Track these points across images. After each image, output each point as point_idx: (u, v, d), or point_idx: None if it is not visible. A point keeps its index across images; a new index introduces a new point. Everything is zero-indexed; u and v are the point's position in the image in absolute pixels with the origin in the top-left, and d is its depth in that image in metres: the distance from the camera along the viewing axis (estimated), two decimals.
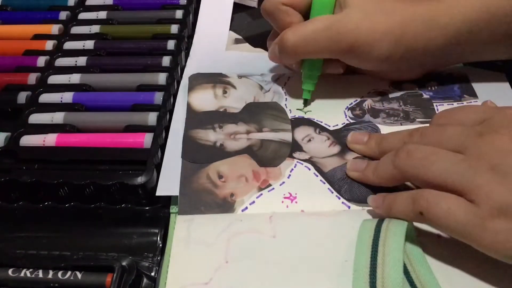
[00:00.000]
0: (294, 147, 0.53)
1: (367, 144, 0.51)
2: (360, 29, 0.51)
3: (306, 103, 0.58)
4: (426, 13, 0.52)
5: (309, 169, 0.51)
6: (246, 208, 0.48)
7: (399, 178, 0.45)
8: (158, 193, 0.49)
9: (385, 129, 0.54)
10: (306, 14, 0.55)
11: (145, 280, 0.44)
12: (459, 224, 0.39)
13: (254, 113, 0.56)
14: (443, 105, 0.56)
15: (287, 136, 0.54)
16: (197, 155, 0.52)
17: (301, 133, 0.54)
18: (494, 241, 0.38)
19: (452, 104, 0.56)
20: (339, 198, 0.48)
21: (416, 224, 0.44)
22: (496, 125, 0.42)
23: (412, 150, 0.44)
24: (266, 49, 0.65)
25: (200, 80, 0.60)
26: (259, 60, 0.64)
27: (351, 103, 0.57)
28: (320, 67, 0.56)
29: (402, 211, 0.43)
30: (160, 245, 0.46)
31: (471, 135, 0.42)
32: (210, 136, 0.54)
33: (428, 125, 0.52)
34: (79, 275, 0.42)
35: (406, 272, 0.41)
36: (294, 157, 0.52)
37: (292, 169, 0.51)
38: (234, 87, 0.59)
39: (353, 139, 0.53)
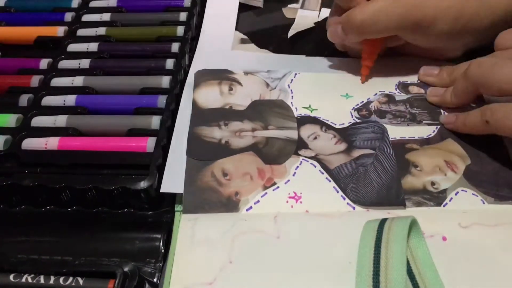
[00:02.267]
0: (300, 144, 0.53)
1: (439, 75, 0.58)
2: (425, 3, 0.53)
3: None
4: None
5: (315, 167, 0.51)
6: (251, 207, 0.48)
7: (471, 91, 0.52)
8: (162, 190, 0.48)
9: (392, 129, 0.54)
10: None
11: (147, 286, 0.44)
12: None
13: (260, 110, 0.56)
14: (449, 108, 0.56)
15: (293, 134, 0.54)
16: (202, 153, 0.52)
17: (307, 130, 0.54)
18: None
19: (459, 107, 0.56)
20: (344, 199, 0.48)
21: (422, 226, 0.44)
22: None
23: (482, 60, 0.50)
24: (271, 49, 0.65)
25: (206, 76, 0.60)
26: (265, 60, 0.64)
27: (358, 104, 0.57)
28: (381, 43, 0.57)
29: (473, 122, 0.50)
30: (163, 251, 0.46)
31: None
32: (215, 133, 0.53)
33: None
34: (80, 281, 0.42)
35: (410, 273, 0.41)
36: (299, 155, 0.52)
37: (298, 167, 0.51)
38: (240, 84, 0.59)
39: (425, 72, 0.59)
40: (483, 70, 0.49)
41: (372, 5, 0.53)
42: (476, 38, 0.56)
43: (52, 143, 0.52)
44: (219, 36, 0.68)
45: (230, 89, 0.58)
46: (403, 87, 0.59)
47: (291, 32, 0.68)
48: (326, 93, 0.58)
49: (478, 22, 0.54)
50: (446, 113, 0.55)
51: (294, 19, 0.71)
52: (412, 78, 0.60)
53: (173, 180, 0.49)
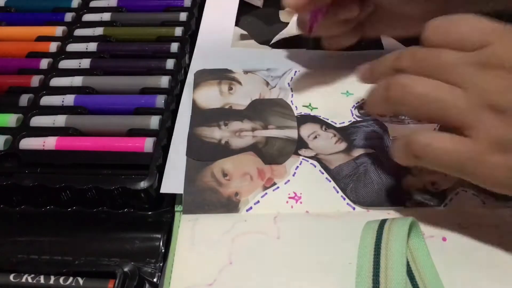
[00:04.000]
0: (300, 144, 0.53)
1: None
2: None
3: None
4: None
5: (315, 166, 0.51)
6: (251, 208, 0.48)
7: (392, 112, 0.47)
8: (162, 191, 0.48)
9: (392, 128, 0.54)
10: None
11: (147, 286, 0.44)
12: (455, 160, 0.39)
13: (259, 110, 0.56)
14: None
15: (292, 133, 0.54)
16: (202, 153, 0.52)
17: (307, 130, 0.54)
18: (493, 175, 0.38)
19: None
20: (344, 199, 0.48)
21: (422, 226, 0.44)
22: (498, 56, 0.39)
23: (407, 84, 0.41)
24: (271, 46, 0.65)
25: (206, 76, 0.60)
26: (264, 56, 0.64)
27: (358, 102, 0.57)
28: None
29: (399, 157, 0.43)
30: (163, 251, 0.46)
31: (469, 65, 0.39)
32: (215, 133, 0.53)
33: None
34: (80, 281, 0.42)
35: (410, 274, 0.41)
36: (299, 154, 0.52)
37: (298, 167, 0.51)
38: (239, 83, 0.59)
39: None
40: (410, 100, 0.41)
41: None
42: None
43: (49, 143, 0.52)
44: (219, 33, 0.68)
45: (230, 88, 0.58)
46: None
47: (276, 38, 0.67)
48: (326, 90, 0.58)
49: None
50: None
51: (288, 23, 0.69)
52: None
53: (173, 180, 0.49)
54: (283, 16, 0.71)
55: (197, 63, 0.62)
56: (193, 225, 0.46)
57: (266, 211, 0.47)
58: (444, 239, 0.45)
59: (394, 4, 0.54)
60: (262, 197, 0.48)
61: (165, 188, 0.49)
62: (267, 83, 0.59)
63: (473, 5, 0.49)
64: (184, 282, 0.42)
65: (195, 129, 0.54)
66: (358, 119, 0.55)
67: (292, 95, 0.58)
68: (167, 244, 0.46)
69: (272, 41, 0.66)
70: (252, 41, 0.67)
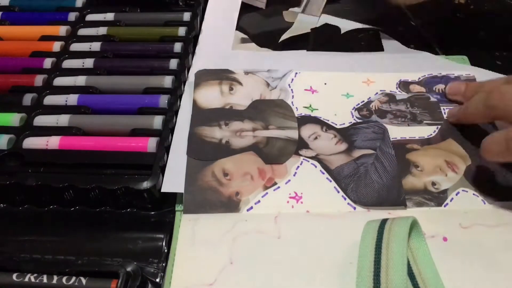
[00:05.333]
0: (301, 144, 0.53)
1: (465, 94, 0.55)
2: None
3: None
4: None
5: (315, 167, 0.51)
6: (252, 207, 0.48)
7: (490, 117, 0.49)
8: (163, 190, 0.49)
9: (392, 129, 0.54)
10: None
11: (150, 286, 0.44)
12: None
13: (260, 110, 0.56)
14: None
15: (293, 134, 0.54)
16: (202, 152, 0.52)
17: (308, 130, 0.54)
18: None
19: None
20: (345, 199, 0.48)
21: (423, 226, 0.44)
22: None
23: (505, 90, 0.46)
24: (272, 48, 0.65)
25: (206, 76, 0.60)
26: (265, 59, 0.64)
27: (358, 103, 0.57)
28: None
29: (497, 151, 0.45)
30: (166, 251, 0.46)
31: None
32: (215, 133, 0.54)
33: None
34: (83, 280, 0.42)
35: (411, 274, 0.42)
36: (300, 155, 0.52)
37: (298, 167, 0.51)
38: (240, 83, 0.59)
39: (452, 90, 0.56)
40: (506, 103, 0.46)
41: None
42: None
43: (53, 142, 0.52)
44: (220, 36, 0.68)
45: (231, 89, 0.58)
46: (404, 85, 0.59)
47: (284, 36, 0.68)
48: (327, 92, 0.58)
49: None
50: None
51: (293, 23, 0.70)
52: (413, 76, 0.60)
53: (174, 179, 0.50)
54: (287, 16, 0.71)
55: (198, 65, 0.62)
56: (194, 224, 0.47)
57: (266, 210, 0.48)
58: (445, 239, 0.45)
59: None
60: (262, 196, 0.49)
61: (166, 187, 0.49)
62: (268, 84, 0.59)
63: None
64: (184, 282, 0.43)
65: (196, 129, 0.54)
66: (359, 120, 0.55)
67: (292, 96, 0.58)
68: (170, 244, 0.46)
69: (281, 39, 0.67)
70: (253, 44, 0.67)
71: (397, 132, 0.54)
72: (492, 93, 0.46)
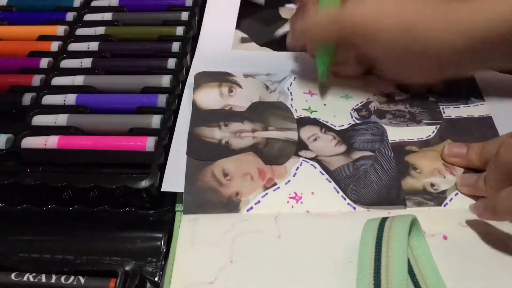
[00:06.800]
0: (300, 145, 0.53)
1: (467, 156, 0.50)
2: (366, 14, 0.52)
3: (323, 89, 0.59)
4: (442, 10, 0.50)
5: (315, 167, 0.51)
6: (251, 208, 0.48)
7: (507, 178, 0.43)
8: (163, 189, 0.49)
9: (391, 130, 0.54)
10: None
11: (148, 285, 0.44)
12: None
13: (260, 112, 0.56)
14: (449, 107, 0.56)
15: (293, 135, 0.54)
16: (202, 153, 0.52)
17: (307, 132, 0.54)
18: None
19: (459, 107, 0.56)
20: (345, 199, 0.48)
21: (423, 225, 0.44)
22: None
23: None
24: (272, 47, 0.65)
25: (206, 78, 0.59)
26: (265, 59, 0.64)
27: (357, 104, 0.57)
28: (331, 53, 0.56)
29: (507, 207, 0.41)
30: (164, 250, 0.46)
31: None
32: (215, 133, 0.54)
33: None
34: (82, 280, 0.42)
35: (411, 272, 0.42)
36: (300, 156, 0.52)
37: (298, 167, 0.51)
38: (240, 86, 0.59)
39: (451, 152, 0.51)
40: None
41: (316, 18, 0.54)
42: (449, 61, 0.52)
43: (51, 141, 0.52)
44: (220, 35, 0.68)
45: (230, 91, 0.58)
46: (403, 85, 0.59)
47: (279, 32, 0.68)
48: (326, 94, 0.58)
49: (441, 42, 0.50)
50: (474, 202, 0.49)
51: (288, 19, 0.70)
52: None
53: (174, 179, 0.50)
54: (283, 12, 0.71)
55: (197, 65, 0.62)
56: (194, 225, 0.46)
57: (266, 211, 0.48)
58: (445, 237, 0.45)
59: (392, 72, 0.57)
60: (262, 197, 0.49)
61: (166, 187, 0.49)
62: (267, 87, 0.59)
63: (481, 64, 0.54)
64: (184, 281, 0.43)
65: (195, 129, 0.54)
66: (358, 121, 0.55)
67: (291, 99, 0.58)
68: (169, 243, 0.46)
69: (276, 33, 0.68)
70: (253, 44, 0.67)
71: (396, 133, 0.54)
72: (500, 150, 0.44)
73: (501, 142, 0.45)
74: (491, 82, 0.59)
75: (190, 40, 0.65)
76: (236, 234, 0.46)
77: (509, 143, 0.43)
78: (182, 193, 0.49)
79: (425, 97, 0.57)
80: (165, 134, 0.52)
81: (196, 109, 0.56)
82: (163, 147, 0.51)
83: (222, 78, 0.59)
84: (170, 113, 0.54)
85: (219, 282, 0.42)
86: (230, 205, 0.48)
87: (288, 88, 0.59)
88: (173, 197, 0.49)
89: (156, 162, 0.49)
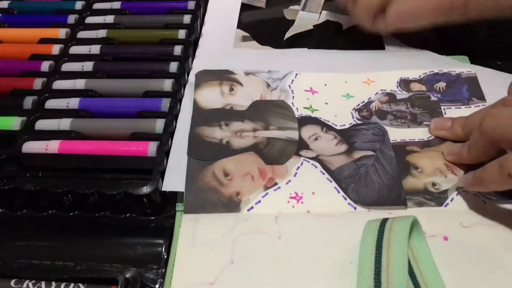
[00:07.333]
0: (301, 145, 0.53)
1: (451, 129, 0.53)
2: None
3: None
4: None
5: (316, 167, 0.51)
6: (252, 207, 0.48)
7: (489, 146, 0.46)
8: (163, 189, 0.49)
9: (392, 131, 0.54)
10: None
11: None
12: None
13: (260, 111, 0.56)
14: (450, 108, 0.56)
15: (293, 134, 0.54)
16: (203, 152, 0.52)
17: (308, 131, 0.54)
18: None
19: (460, 108, 0.56)
20: (346, 199, 0.48)
21: (423, 226, 0.44)
22: None
23: (496, 112, 0.45)
24: (273, 46, 0.65)
25: (207, 77, 0.59)
26: (266, 58, 0.64)
27: (358, 104, 0.57)
28: None
29: (492, 179, 0.44)
30: (165, 256, 0.46)
31: None
32: (216, 133, 0.54)
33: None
34: (82, 287, 0.42)
35: (411, 273, 0.42)
36: (300, 155, 0.52)
37: (299, 167, 0.51)
38: (240, 84, 0.59)
39: (436, 125, 0.54)
40: (499, 123, 0.44)
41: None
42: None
43: (52, 146, 0.52)
44: (221, 34, 0.68)
45: (231, 89, 0.58)
46: (405, 84, 0.59)
47: (288, 34, 0.68)
48: (327, 93, 0.58)
49: None
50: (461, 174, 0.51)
51: (294, 20, 0.70)
52: (414, 74, 0.60)
53: (174, 179, 0.50)
54: (288, 14, 0.71)
55: (198, 64, 0.62)
56: (194, 224, 0.47)
57: (267, 211, 0.48)
58: (445, 238, 0.45)
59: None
60: (263, 197, 0.49)
61: (166, 186, 0.49)
62: (268, 85, 0.59)
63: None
64: (185, 281, 0.43)
65: (196, 129, 0.54)
66: (359, 121, 0.55)
67: (293, 97, 0.58)
68: (170, 249, 0.46)
69: (285, 37, 0.68)
70: (254, 42, 0.67)
71: (397, 134, 0.54)
72: (484, 120, 0.45)
73: (484, 113, 0.46)
74: (492, 82, 0.58)
75: (192, 44, 0.64)
76: (237, 234, 0.46)
77: (492, 113, 0.45)
78: (183, 193, 0.49)
79: (427, 97, 0.57)
80: (166, 139, 0.52)
81: (196, 108, 0.56)
82: (165, 153, 0.51)
83: (223, 76, 0.59)
84: (172, 118, 0.54)
85: (219, 283, 0.42)
86: (231, 205, 0.48)
87: (289, 85, 0.59)
88: (174, 203, 0.49)
89: (157, 168, 0.49)
